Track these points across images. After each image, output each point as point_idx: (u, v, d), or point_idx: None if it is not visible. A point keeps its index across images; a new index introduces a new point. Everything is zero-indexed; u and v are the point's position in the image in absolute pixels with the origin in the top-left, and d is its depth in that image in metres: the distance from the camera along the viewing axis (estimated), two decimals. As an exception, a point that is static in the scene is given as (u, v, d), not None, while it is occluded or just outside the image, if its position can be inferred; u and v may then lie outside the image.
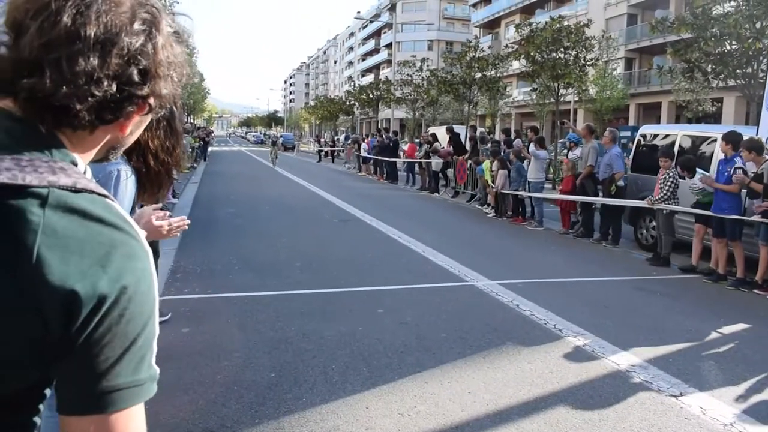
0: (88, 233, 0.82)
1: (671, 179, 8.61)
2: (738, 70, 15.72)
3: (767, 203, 7.12)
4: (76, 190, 0.83)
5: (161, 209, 2.37)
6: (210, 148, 38.23)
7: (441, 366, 4.49)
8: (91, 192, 0.85)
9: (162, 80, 0.89)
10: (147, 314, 0.86)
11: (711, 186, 7.92)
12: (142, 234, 0.90)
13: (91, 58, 0.81)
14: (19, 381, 0.83)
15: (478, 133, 17.41)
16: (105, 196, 0.86)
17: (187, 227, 2.41)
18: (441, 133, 21.03)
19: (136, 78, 0.86)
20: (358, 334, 5.11)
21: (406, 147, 23.81)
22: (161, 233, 2.32)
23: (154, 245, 4.44)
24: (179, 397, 3.78)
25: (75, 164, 0.88)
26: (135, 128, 0.96)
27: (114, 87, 0.84)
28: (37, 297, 0.78)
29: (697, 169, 8.46)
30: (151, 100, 0.90)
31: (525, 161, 12.89)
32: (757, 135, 8.14)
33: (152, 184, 2.06)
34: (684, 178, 8.55)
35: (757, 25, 14.79)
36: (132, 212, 2.24)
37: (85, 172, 0.90)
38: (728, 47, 15.74)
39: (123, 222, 0.86)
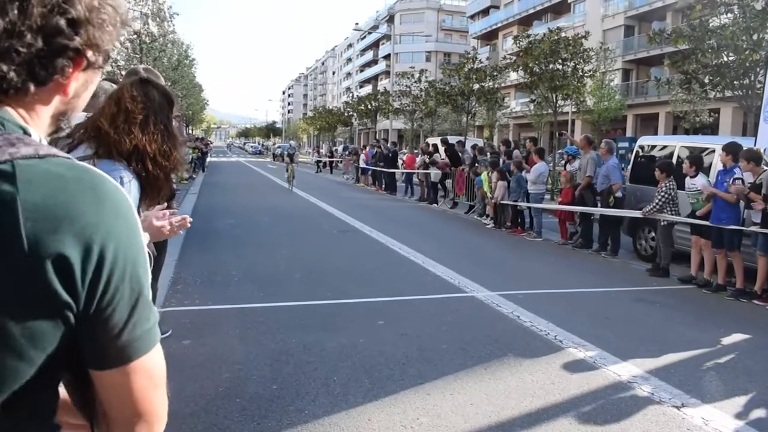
0: (69, 197, 0.79)
1: (664, 191, 8.63)
2: (735, 82, 15.79)
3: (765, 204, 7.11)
4: (40, 157, 0.79)
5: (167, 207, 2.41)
6: (208, 159, 38.29)
7: (443, 377, 4.49)
8: (56, 156, 0.81)
9: (96, 29, 0.83)
10: (143, 262, 0.87)
11: (710, 192, 7.95)
12: (115, 182, 0.87)
13: (9, 12, 0.76)
14: (52, 359, 0.82)
15: (481, 144, 17.46)
16: (67, 157, 0.84)
17: (189, 225, 2.45)
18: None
19: (64, 28, 0.80)
20: (359, 346, 5.11)
21: (405, 157, 23.86)
22: (164, 233, 2.36)
23: (160, 250, 4.46)
24: (180, 410, 3.76)
25: (28, 134, 0.84)
26: (82, 89, 0.91)
27: (40, 41, 0.78)
28: (42, 276, 0.76)
29: (701, 174, 8.45)
30: (89, 54, 0.84)
31: (524, 172, 12.93)
32: (755, 146, 8.19)
33: (152, 188, 2.08)
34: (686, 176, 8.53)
35: (754, 37, 14.88)
36: None
37: (40, 141, 0.86)
38: (725, 59, 15.83)
39: (98, 178, 0.84)
